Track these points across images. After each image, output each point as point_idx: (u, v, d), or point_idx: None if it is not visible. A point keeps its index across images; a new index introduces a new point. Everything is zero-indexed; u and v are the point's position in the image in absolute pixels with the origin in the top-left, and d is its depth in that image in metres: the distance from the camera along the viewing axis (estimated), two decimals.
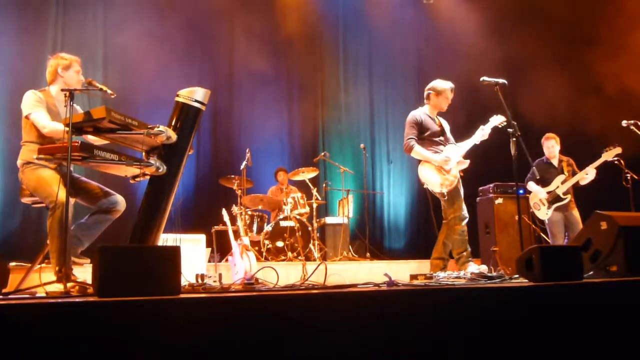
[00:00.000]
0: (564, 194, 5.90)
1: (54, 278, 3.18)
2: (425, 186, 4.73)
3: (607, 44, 7.56)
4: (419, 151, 4.70)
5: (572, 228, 5.86)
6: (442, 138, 4.85)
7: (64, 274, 2.94)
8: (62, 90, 3.52)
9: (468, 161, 4.75)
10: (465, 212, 4.64)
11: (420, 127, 4.79)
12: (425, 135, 4.78)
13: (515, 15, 8.75)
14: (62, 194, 3.30)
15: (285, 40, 8.72)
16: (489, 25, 8.58)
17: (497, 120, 4.73)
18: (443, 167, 4.63)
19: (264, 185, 8.00)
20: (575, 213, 5.94)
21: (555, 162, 6.13)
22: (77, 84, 3.69)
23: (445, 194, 4.57)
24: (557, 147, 6.18)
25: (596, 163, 5.87)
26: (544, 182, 6.00)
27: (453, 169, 4.64)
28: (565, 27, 8.17)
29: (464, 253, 4.57)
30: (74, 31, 7.27)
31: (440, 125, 4.91)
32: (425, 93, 4.98)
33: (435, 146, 4.77)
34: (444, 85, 4.90)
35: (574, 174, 6.01)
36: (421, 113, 4.88)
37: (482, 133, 4.71)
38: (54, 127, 3.49)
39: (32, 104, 3.56)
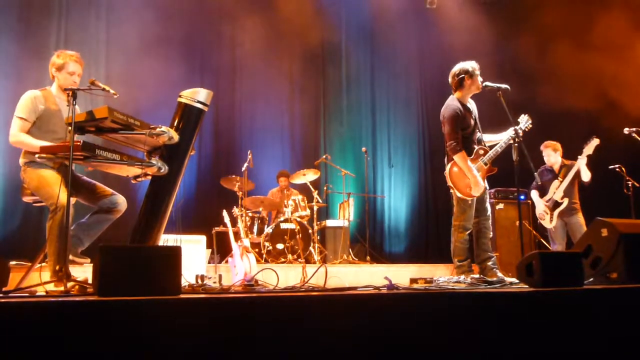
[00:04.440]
0: (561, 198, 5.89)
1: (54, 277, 3.19)
2: (449, 187, 4.49)
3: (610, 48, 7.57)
4: (464, 160, 4.39)
5: (575, 233, 5.84)
6: (472, 135, 4.56)
7: (65, 273, 2.94)
8: (65, 90, 3.53)
9: (495, 169, 4.50)
10: (470, 224, 4.44)
11: (460, 124, 4.44)
12: (462, 134, 4.46)
13: (517, 18, 8.76)
14: (63, 197, 3.29)
15: (287, 43, 8.74)
16: (492, 29, 8.60)
17: (524, 121, 4.50)
18: (472, 183, 4.38)
19: (265, 187, 8.00)
20: (579, 218, 5.91)
21: (556, 169, 6.12)
22: (70, 86, 3.55)
23: (467, 200, 4.39)
24: (554, 156, 6.14)
25: (580, 161, 5.84)
26: (544, 189, 6.04)
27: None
28: (569, 30, 8.16)
29: (465, 262, 4.48)
30: (76, 31, 7.29)
31: (472, 115, 4.59)
32: (457, 80, 4.55)
33: (466, 145, 4.48)
34: (473, 64, 4.54)
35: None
36: (458, 105, 4.49)
37: (511, 135, 4.36)
38: (22, 140, 3.48)
39: (21, 108, 3.54)
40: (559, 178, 6.00)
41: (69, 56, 3.69)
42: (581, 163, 5.85)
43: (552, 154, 6.13)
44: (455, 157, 4.43)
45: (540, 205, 6.01)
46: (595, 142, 5.84)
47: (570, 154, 6.17)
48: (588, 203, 6.12)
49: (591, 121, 7.45)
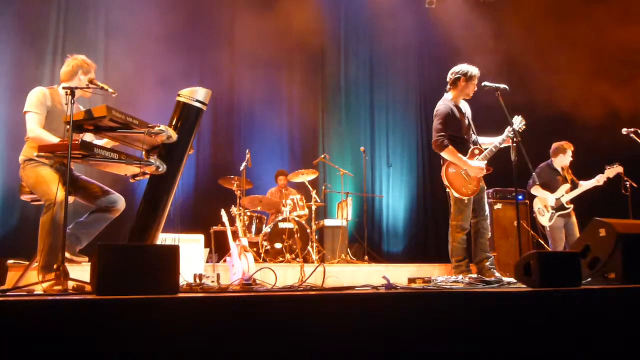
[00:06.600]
0: (567, 203, 5.90)
1: (41, 273, 3.19)
2: (446, 187, 4.52)
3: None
4: (453, 153, 4.43)
5: (570, 234, 5.87)
6: (467, 136, 4.60)
7: (62, 272, 2.93)
8: (64, 88, 3.53)
9: (491, 169, 4.51)
10: (467, 224, 4.46)
11: (451, 123, 4.50)
12: (453, 134, 4.51)
13: (516, 18, 8.75)
14: (60, 194, 3.29)
15: (286, 42, 8.73)
16: (491, 29, 8.59)
17: (517, 121, 4.52)
18: (470, 174, 4.43)
19: (263, 186, 8.00)
20: (573, 219, 5.95)
21: (560, 170, 6.12)
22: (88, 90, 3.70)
23: (464, 200, 4.40)
24: (568, 158, 6.15)
25: (600, 179, 5.89)
26: (547, 187, 5.98)
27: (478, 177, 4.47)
28: (568, 31, 8.17)
29: (462, 262, 4.50)
30: (75, 31, 7.27)
31: (466, 117, 4.64)
32: (452, 78, 4.61)
33: (461, 146, 4.52)
34: (474, 70, 4.58)
35: (573, 182, 6.02)
36: (451, 105, 4.55)
37: (507, 135, 4.40)
38: (39, 134, 3.48)
39: (32, 103, 3.54)
40: (568, 182, 6.01)
41: (92, 64, 3.80)
42: (600, 180, 5.91)
43: (570, 155, 6.15)
44: (443, 154, 4.49)
45: (550, 200, 5.93)
46: (618, 168, 5.92)
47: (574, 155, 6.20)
48: (586, 203, 6.13)
49: (590, 120, 7.46)
